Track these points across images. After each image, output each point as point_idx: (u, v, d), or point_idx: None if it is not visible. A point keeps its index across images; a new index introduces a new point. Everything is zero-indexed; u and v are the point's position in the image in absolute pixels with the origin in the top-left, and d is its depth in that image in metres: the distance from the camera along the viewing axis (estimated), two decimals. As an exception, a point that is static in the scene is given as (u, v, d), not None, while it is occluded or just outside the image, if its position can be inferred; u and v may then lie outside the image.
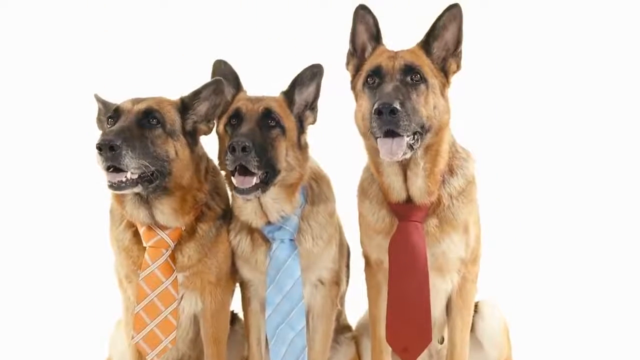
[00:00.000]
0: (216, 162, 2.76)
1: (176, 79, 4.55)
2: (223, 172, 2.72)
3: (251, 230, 2.71)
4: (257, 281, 2.78)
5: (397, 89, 2.37)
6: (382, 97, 2.32)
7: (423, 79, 2.45)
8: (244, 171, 2.43)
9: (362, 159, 2.76)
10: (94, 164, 2.36)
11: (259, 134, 2.48)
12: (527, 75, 4.72)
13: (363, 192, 2.73)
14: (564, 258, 4.38)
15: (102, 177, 2.42)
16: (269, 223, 2.64)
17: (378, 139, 2.37)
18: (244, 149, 2.37)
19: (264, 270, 2.69)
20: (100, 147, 2.31)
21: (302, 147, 2.66)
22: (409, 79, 2.43)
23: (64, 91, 4.76)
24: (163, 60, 4.78)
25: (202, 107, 2.63)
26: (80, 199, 4.44)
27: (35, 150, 4.79)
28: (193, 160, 2.59)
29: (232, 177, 2.48)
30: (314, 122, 2.74)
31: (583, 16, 4.78)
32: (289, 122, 2.62)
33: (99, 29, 4.84)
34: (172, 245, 2.57)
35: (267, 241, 2.68)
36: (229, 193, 2.77)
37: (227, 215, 2.76)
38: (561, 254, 4.41)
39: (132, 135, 2.39)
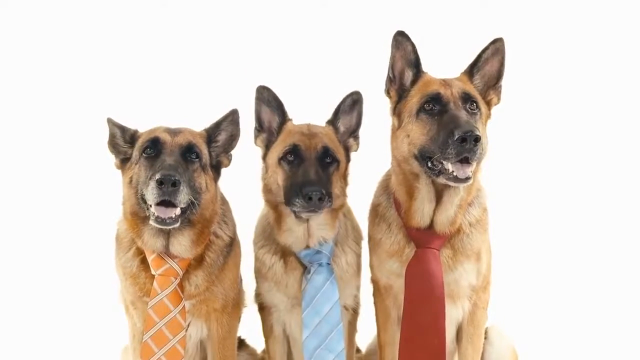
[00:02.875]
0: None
1: (181, 84, 4.59)
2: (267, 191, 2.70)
3: (284, 254, 2.72)
4: (282, 306, 2.78)
5: (469, 117, 2.36)
6: (463, 125, 2.28)
7: (478, 109, 2.46)
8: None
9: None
10: (95, 192, 2.34)
11: (322, 174, 2.54)
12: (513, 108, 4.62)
13: (378, 216, 2.71)
14: (572, 284, 4.36)
15: (106, 205, 2.39)
16: (306, 247, 2.67)
17: (451, 164, 2.32)
18: (320, 198, 2.45)
19: (293, 294, 2.71)
20: (162, 182, 2.32)
21: (346, 175, 2.73)
22: (468, 107, 2.43)
23: (65, 101, 4.72)
24: (165, 64, 4.76)
25: (220, 138, 2.68)
26: (84, 224, 4.38)
27: (37, 159, 4.71)
28: (215, 193, 2.62)
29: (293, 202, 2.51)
30: (357, 149, 2.78)
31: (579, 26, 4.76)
32: (341, 155, 2.67)
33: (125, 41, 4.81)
34: (181, 273, 2.56)
35: (301, 265, 2.70)
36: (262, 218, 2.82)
37: (234, 243, 2.75)
38: (569, 281, 4.39)
39: (183, 171, 2.43)
